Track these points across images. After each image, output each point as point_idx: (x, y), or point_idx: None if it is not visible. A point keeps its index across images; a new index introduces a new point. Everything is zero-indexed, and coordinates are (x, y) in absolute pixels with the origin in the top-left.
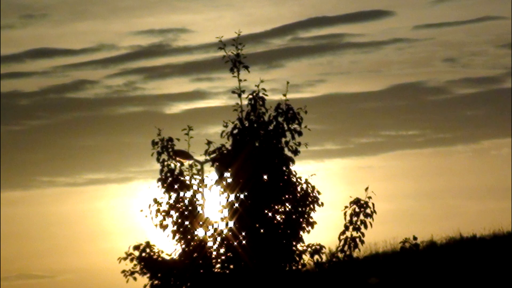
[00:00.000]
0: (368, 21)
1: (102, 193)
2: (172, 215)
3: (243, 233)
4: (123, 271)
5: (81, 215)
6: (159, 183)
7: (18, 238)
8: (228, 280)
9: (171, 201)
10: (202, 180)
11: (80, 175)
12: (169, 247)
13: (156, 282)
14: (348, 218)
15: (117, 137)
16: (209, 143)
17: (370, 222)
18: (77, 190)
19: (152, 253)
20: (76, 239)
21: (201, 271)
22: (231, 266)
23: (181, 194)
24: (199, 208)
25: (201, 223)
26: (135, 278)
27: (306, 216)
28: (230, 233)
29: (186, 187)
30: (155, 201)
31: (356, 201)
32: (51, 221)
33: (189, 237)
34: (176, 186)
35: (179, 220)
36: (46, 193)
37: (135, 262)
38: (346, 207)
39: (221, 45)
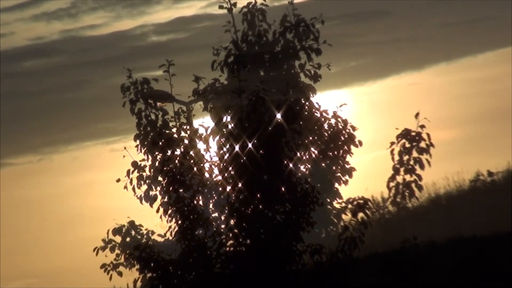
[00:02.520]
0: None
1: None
2: (162, 183)
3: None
4: (104, 266)
5: (80, 212)
6: (137, 141)
7: (18, 234)
8: (228, 280)
9: (157, 164)
10: (194, 131)
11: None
12: (160, 226)
13: (156, 282)
14: (397, 158)
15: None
16: (197, 79)
17: (427, 160)
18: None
19: (152, 253)
20: (48, 231)
21: (201, 271)
22: (231, 267)
23: (167, 153)
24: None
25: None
26: (120, 273)
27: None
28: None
29: (174, 143)
30: (135, 165)
31: (406, 134)
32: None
33: (186, 210)
34: (159, 143)
35: (170, 188)
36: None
37: (119, 251)
38: (392, 143)
39: None
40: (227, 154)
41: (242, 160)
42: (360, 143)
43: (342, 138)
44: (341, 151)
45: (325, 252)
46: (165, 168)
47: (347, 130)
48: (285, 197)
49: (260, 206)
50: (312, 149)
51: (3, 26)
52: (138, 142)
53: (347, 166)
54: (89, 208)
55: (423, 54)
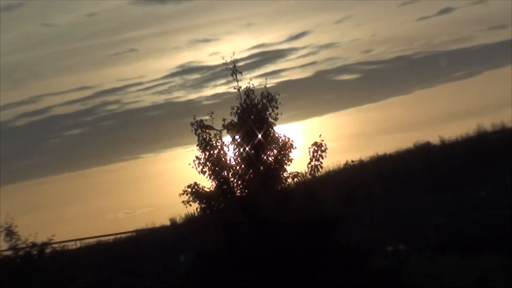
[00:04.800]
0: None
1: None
2: (208, 165)
3: (251, 170)
4: (183, 201)
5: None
6: (197, 147)
7: (134, 188)
8: (245, 200)
9: (206, 157)
10: (223, 142)
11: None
12: (208, 184)
13: (202, 206)
14: (311, 154)
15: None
16: (224, 120)
17: (325, 155)
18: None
19: (198, 189)
20: (158, 187)
21: (228, 196)
22: (246, 191)
23: (211, 152)
24: (223, 159)
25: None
26: (190, 205)
27: (287, 156)
28: (243, 171)
29: (214, 148)
30: (197, 157)
31: (315, 144)
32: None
33: (219, 177)
34: (208, 148)
35: (212, 167)
36: (138, 162)
37: (189, 195)
38: (309, 148)
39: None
40: (237, 153)
41: (243, 156)
42: (295, 148)
43: (287, 145)
44: (286, 151)
45: (300, 176)
46: (209, 159)
47: (289, 142)
48: (273, 146)
49: (259, 154)
50: (275, 150)
51: (139, 97)
52: (198, 147)
53: (290, 158)
54: (177, 177)
55: (322, 108)
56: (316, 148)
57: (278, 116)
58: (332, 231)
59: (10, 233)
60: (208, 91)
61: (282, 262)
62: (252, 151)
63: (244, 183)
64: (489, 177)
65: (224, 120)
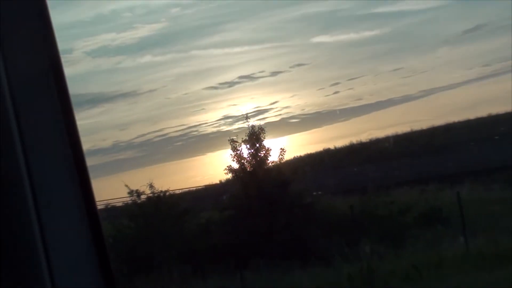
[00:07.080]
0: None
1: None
2: (235, 157)
3: (254, 160)
4: (225, 173)
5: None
6: (231, 150)
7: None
8: (251, 172)
9: (234, 154)
10: (241, 148)
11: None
12: (235, 165)
13: (233, 175)
14: (279, 153)
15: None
16: (242, 138)
17: (285, 153)
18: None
19: (231, 167)
20: (214, 166)
21: (244, 170)
22: (252, 168)
23: (237, 152)
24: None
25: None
26: (228, 174)
27: (268, 154)
28: (250, 160)
29: (237, 150)
30: (231, 154)
31: (281, 148)
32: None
33: (241, 162)
34: (235, 150)
35: (237, 158)
36: (205, 156)
37: (227, 170)
38: (278, 150)
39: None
40: (248, 152)
41: (251, 153)
42: (271, 150)
43: (269, 149)
44: (268, 152)
45: (273, 163)
46: (236, 155)
47: (269, 148)
48: (263, 150)
49: (257, 154)
50: (263, 151)
51: (206, 129)
52: (231, 150)
53: (270, 155)
54: (222, 162)
55: (283, 133)
56: (281, 150)
57: (265, 137)
58: (288, 186)
59: (151, 186)
60: (235, 126)
61: (266, 198)
62: (254, 152)
63: (251, 165)
64: (355, 163)
65: (242, 138)
